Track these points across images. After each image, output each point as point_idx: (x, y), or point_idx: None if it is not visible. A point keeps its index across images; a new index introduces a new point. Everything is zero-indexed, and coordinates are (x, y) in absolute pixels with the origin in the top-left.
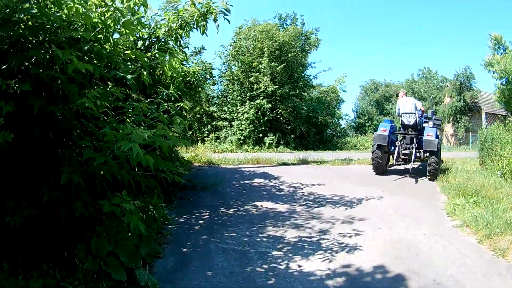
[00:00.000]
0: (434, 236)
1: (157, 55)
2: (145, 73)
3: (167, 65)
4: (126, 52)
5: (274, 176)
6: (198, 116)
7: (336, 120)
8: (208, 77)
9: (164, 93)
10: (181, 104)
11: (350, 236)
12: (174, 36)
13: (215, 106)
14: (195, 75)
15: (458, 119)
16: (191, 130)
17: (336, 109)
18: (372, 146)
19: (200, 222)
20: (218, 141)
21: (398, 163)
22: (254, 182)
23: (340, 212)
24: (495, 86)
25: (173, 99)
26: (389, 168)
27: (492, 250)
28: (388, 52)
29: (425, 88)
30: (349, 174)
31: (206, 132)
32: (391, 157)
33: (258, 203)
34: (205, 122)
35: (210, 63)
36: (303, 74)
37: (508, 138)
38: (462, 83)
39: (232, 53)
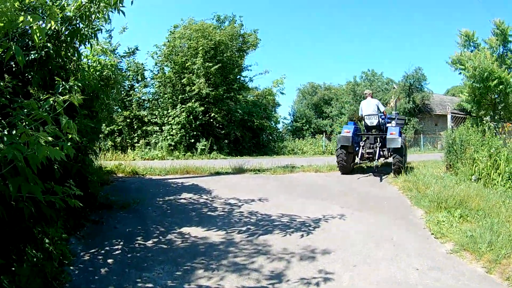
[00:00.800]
0: (431, 272)
1: (29, 17)
2: (13, 47)
3: (36, 29)
4: None
5: (206, 190)
6: (128, 120)
7: (273, 124)
8: (140, 79)
9: (60, 86)
10: (67, 97)
11: (317, 284)
12: (85, 14)
13: (146, 110)
14: (113, 69)
15: (406, 121)
16: (121, 136)
17: (273, 112)
18: (336, 149)
19: (109, 261)
20: (148, 147)
21: (363, 161)
22: (181, 198)
23: (295, 241)
24: (462, 83)
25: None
26: (354, 167)
27: (506, 280)
28: (329, 55)
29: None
30: (295, 184)
31: (136, 137)
32: (356, 156)
33: (185, 230)
34: (135, 127)
35: (142, 64)
36: (238, 76)
37: (482, 141)
38: (412, 84)
39: (165, 52)
